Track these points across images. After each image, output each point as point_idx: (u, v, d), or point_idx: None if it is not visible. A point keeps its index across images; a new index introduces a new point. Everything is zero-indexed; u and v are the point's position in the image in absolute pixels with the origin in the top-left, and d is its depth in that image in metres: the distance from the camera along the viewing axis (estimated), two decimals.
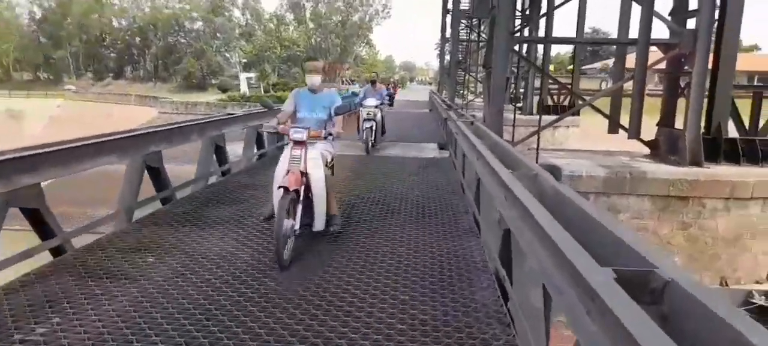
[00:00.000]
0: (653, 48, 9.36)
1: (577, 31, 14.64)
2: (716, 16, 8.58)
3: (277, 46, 56.08)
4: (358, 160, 8.68)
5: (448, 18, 26.36)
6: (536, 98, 18.50)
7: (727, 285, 8.23)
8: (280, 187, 3.71)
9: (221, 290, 3.21)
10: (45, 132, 40.98)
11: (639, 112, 9.45)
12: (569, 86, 15.12)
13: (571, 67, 23.51)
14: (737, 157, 8.74)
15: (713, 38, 8.57)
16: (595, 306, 1.39)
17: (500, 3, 9.31)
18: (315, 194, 4.02)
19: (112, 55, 66.91)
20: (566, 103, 18.43)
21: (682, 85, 9.53)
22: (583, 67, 36.83)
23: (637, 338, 1.12)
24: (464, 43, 32.07)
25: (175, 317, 2.82)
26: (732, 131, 9.13)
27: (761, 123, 9.50)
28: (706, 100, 8.82)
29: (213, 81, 57.30)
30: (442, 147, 10.44)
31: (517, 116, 12.87)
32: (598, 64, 50.27)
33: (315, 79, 4.33)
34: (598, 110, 10.22)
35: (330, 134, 4.15)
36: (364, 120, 9.37)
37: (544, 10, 14.95)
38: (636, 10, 9.22)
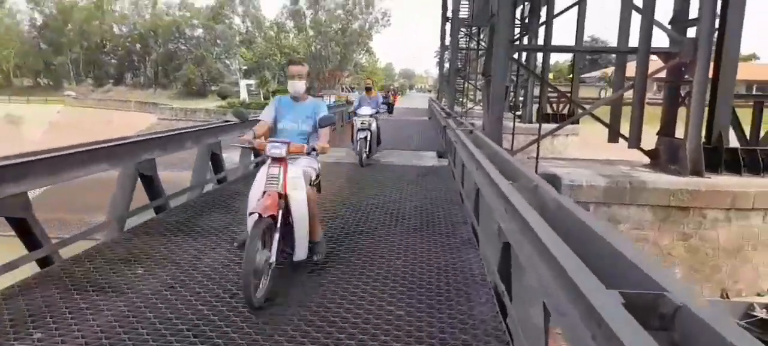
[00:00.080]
0: (653, 57, 9.32)
1: (576, 40, 14.66)
2: (717, 25, 8.55)
3: (277, 53, 56.23)
4: (353, 169, 8.58)
5: (448, 26, 26.38)
6: (536, 106, 18.45)
7: (727, 297, 8.12)
8: (251, 213, 3.17)
9: (211, 305, 3.10)
10: (45, 138, 41.02)
11: (639, 121, 9.39)
12: (569, 95, 15.08)
13: (570, 75, 23.50)
14: (738, 167, 8.65)
15: (714, 47, 8.52)
16: (601, 332, 1.29)
17: (500, 11, 9.29)
18: (295, 219, 3.41)
19: (112, 61, 67.12)
20: (565, 111, 18.39)
21: (683, 95, 9.46)
22: (583, 76, 36.93)
23: None
24: (464, 51, 32.13)
25: (162, 333, 2.71)
26: (733, 141, 9.06)
27: (762, 133, 9.44)
28: (706, 110, 8.76)
29: (213, 88, 57.51)
30: (440, 155, 10.35)
31: (517, 124, 12.78)
32: (597, 73, 50.41)
33: (298, 86, 3.72)
34: (598, 119, 10.14)
35: (313, 149, 3.56)
36: (358, 130, 8.94)
37: (543, 18, 14.94)
38: (636, 18, 9.18)
